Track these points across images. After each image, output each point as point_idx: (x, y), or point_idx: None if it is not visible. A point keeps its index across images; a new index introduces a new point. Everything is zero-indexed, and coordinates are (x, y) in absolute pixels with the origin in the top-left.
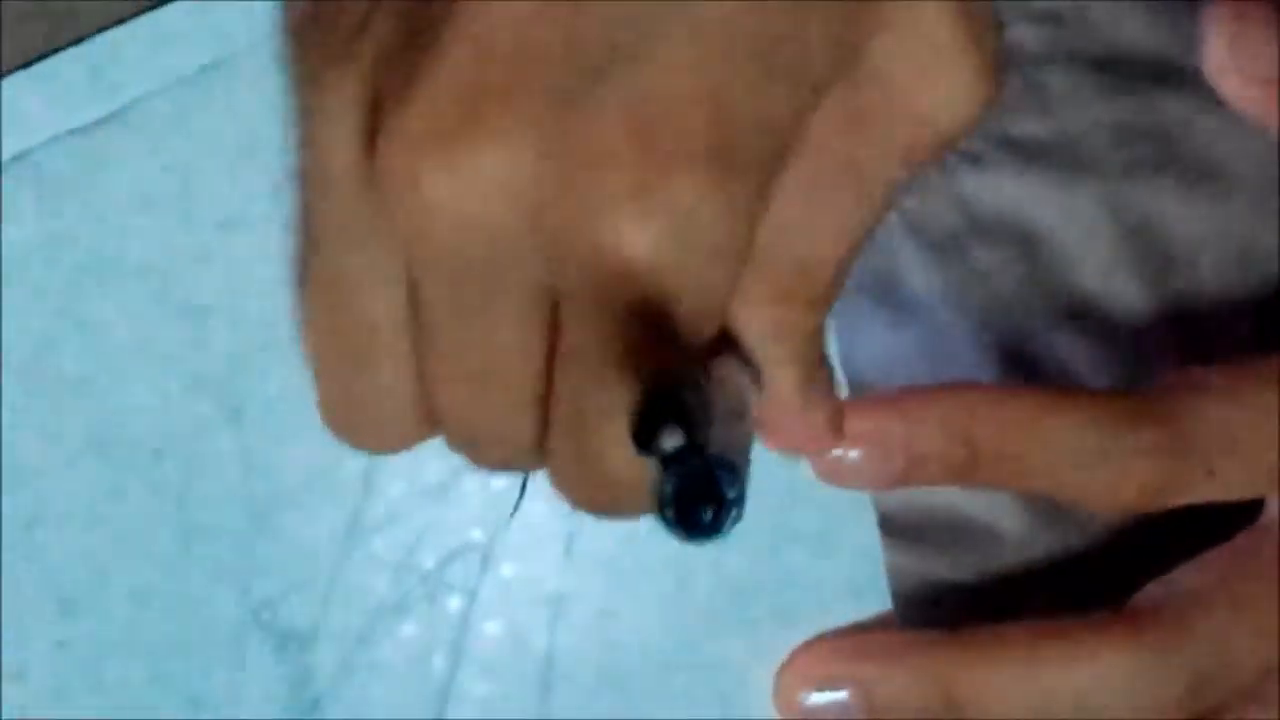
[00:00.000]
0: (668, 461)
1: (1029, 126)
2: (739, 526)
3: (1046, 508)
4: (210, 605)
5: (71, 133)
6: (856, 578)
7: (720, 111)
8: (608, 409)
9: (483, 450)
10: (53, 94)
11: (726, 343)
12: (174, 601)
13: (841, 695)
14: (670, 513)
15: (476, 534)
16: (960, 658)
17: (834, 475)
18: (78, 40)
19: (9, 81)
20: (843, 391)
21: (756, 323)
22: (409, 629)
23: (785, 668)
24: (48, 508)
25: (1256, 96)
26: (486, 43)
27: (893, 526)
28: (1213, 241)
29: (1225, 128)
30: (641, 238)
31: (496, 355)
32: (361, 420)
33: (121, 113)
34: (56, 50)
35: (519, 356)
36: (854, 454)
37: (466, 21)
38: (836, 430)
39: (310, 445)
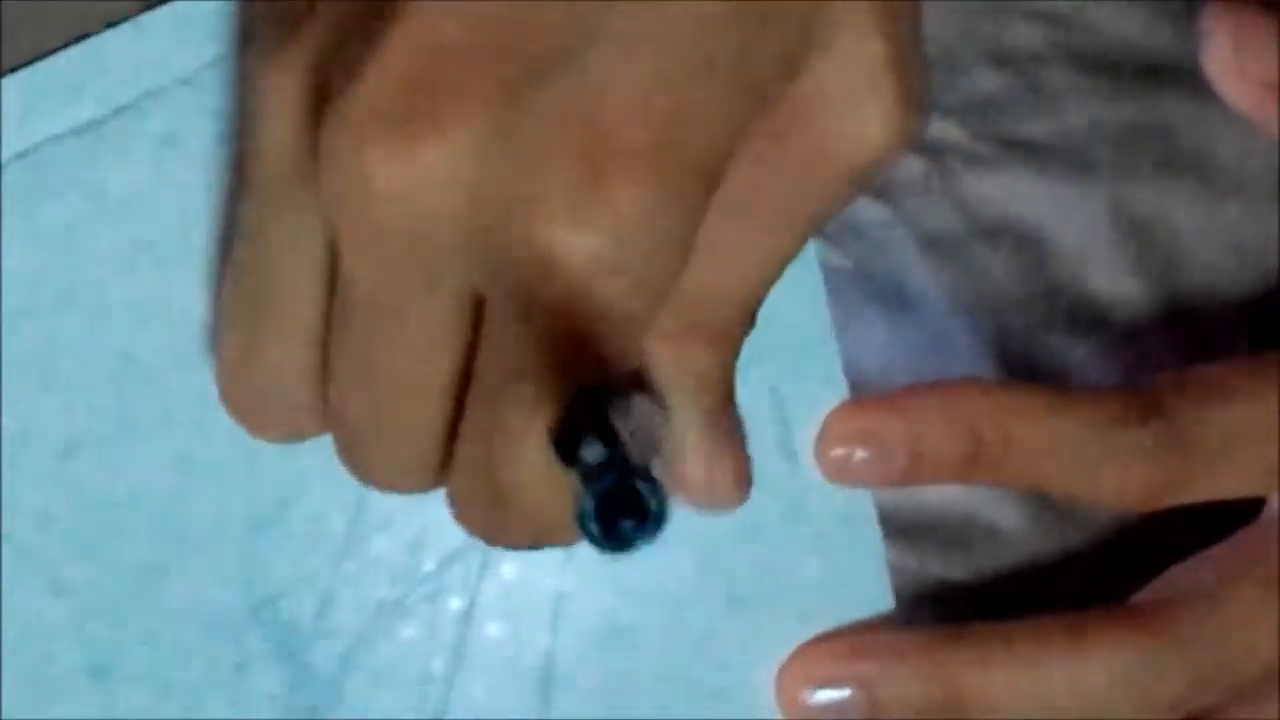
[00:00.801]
0: (589, 474)
1: (1030, 127)
2: (744, 527)
3: (1046, 507)
4: (210, 605)
5: (72, 132)
6: (858, 579)
7: (664, 120)
8: (524, 420)
9: (374, 461)
10: (53, 93)
11: (641, 381)
12: (173, 600)
13: (844, 694)
14: (593, 526)
15: None
16: (963, 655)
17: (839, 473)
18: (78, 39)
19: (9, 81)
20: (845, 392)
21: (663, 358)
22: (409, 630)
23: (787, 667)
24: (46, 505)
25: (1257, 99)
26: (436, 34)
27: (894, 526)
28: (1214, 240)
29: (1227, 127)
30: (579, 242)
31: (410, 356)
32: (251, 401)
33: (120, 112)
34: (56, 49)
35: (432, 359)
36: (859, 453)
37: (417, 11)
38: (742, 485)
39: (310, 445)
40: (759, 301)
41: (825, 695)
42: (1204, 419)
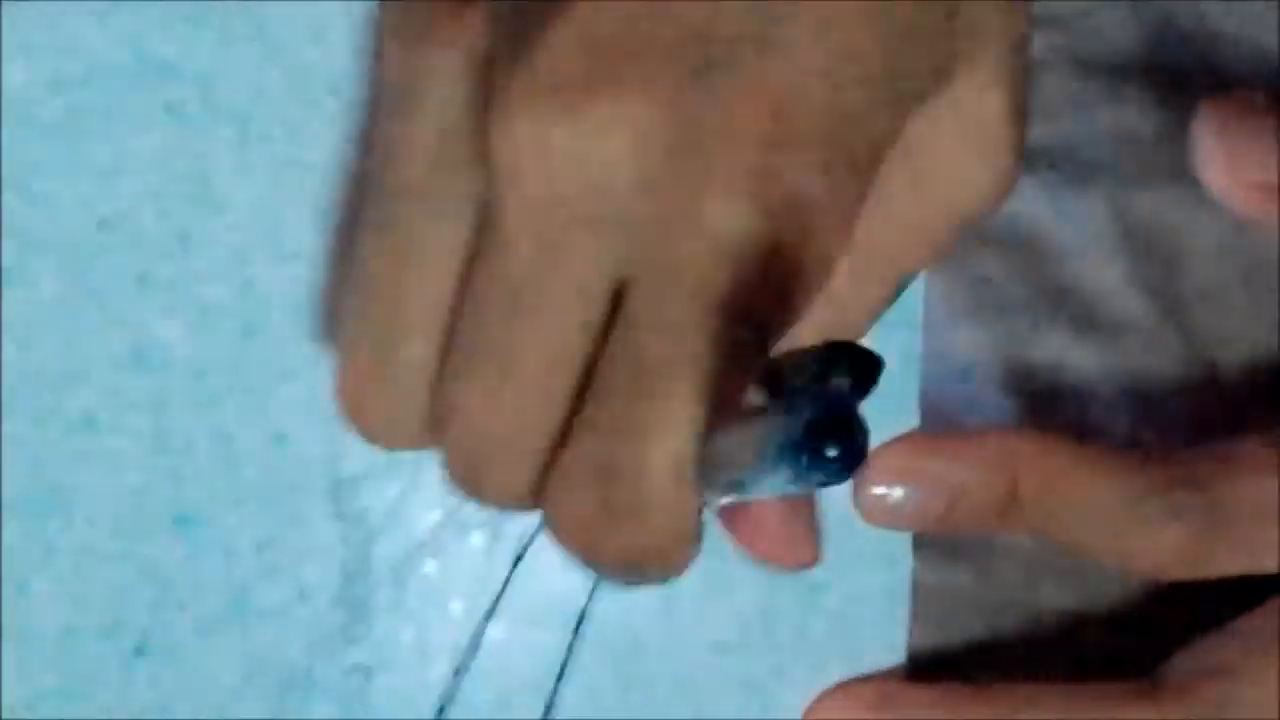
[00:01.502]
0: (794, 404)
1: (1033, 132)
2: None
3: None
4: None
5: None
6: (867, 602)
7: (829, 116)
8: (663, 416)
9: (484, 473)
10: None
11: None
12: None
13: None
14: (806, 450)
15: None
16: (988, 713)
17: (877, 514)
18: None
19: None
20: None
21: None
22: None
23: (811, 712)
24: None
25: (1253, 202)
26: (613, 12)
27: (924, 541)
28: (1214, 244)
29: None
30: (750, 217)
31: (548, 353)
32: (379, 409)
33: None
34: None
35: (570, 354)
36: (898, 492)
37: None
38: (811, 548)
39: None
40: (872, 321)
41: None
42: (1240, 493)
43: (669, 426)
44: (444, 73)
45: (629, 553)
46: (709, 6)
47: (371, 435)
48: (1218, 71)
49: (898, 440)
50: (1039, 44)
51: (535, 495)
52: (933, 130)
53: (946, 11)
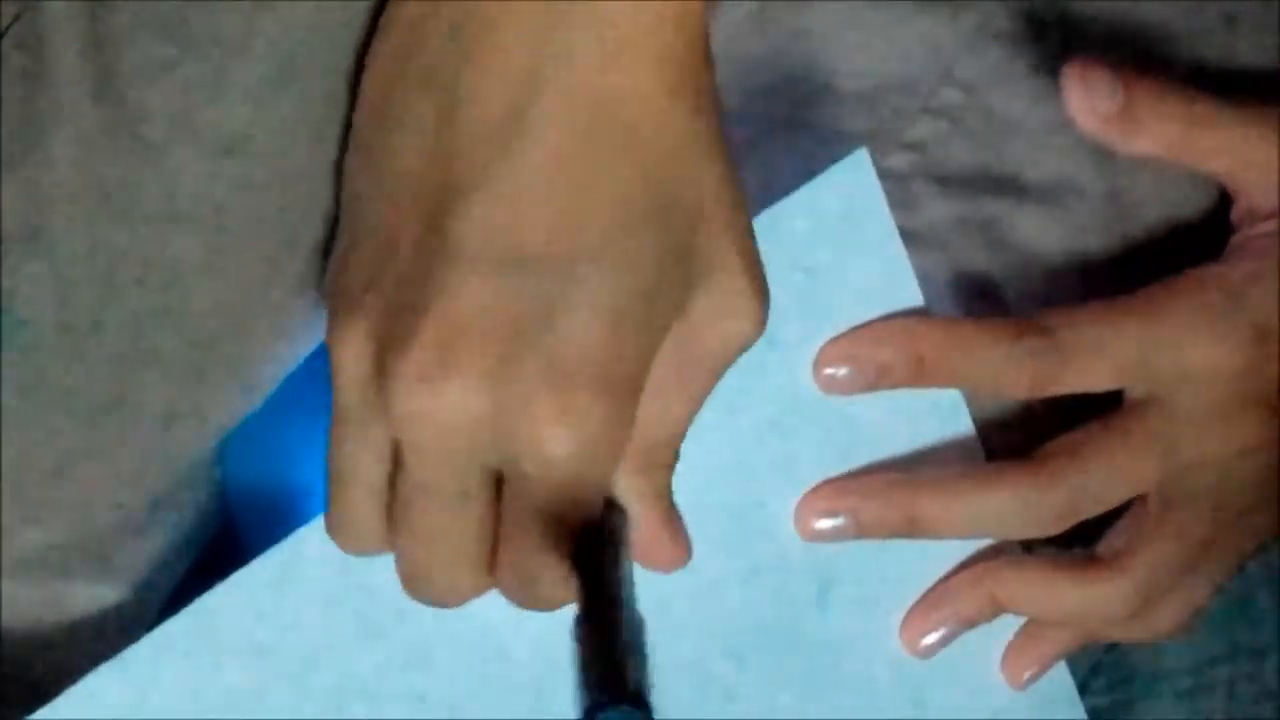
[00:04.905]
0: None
1: (902, 218)
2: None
3: None
4: None
5: None
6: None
7: (609, 359)
8: (546, 539)
9: (425, 591)
10: None
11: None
12: None
13: (838, 520)
14: None
15: None
16: (926, 491)
17: (829, 385)
18: None
19: None
20: None
21: (631, 484)
22: None
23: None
24: None
25: (1104, 129)
26: (455, 314)
27: None
28: (1017, 292)
29: (1028, 221)
30: (561, 444)
31: (446, 516)
32: (340, 527)
33: None
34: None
35: (463, 516)
36: (842, 371)
37: (442, 297)
38: (686, 549)
39: None
40: (681, 441)
41: (824, 522)
42: (1075, 334)
43: (551, 546)
44: (346, 360)
45: (544, 608)
46: (512, 306)
47: (338, 544)
48: (1011, 170)
49: (842, 334)
50: (905, 163)
51: (472, 596)
52: (703, 310)
53: (676, 259)
